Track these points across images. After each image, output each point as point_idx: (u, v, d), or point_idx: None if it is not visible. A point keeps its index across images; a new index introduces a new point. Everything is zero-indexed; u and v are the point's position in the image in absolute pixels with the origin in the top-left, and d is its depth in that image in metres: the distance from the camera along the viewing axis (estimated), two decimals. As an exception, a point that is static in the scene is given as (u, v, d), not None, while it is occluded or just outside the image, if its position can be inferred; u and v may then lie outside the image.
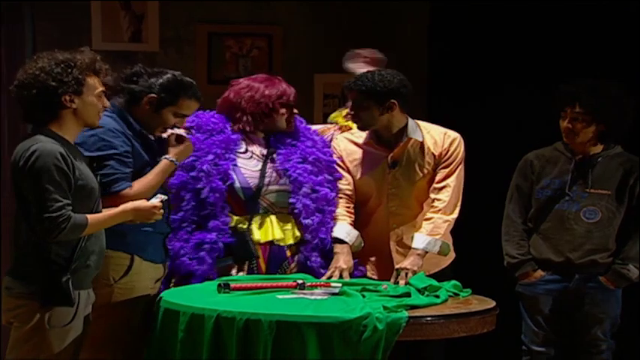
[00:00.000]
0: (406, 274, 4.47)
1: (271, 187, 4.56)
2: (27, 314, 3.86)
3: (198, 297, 3.99)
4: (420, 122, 4.78)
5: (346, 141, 4.83)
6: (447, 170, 4.72)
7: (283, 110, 4.62)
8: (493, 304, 4.09)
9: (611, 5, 5.97)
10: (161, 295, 4.06)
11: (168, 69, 4.42)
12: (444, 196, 4.69)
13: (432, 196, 4.72)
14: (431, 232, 4.64)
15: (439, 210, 4.68)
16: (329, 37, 6.67)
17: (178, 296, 4.01)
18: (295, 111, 4.68)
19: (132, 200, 4.05)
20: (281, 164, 4.58)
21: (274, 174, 4.58)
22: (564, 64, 5.80)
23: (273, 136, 4.64)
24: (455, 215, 4.69)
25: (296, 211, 4.55)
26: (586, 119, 4.85)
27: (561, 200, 4.92)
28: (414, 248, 4.61)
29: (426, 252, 4.60)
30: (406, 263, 4.55)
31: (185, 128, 4.45)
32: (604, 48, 6.00)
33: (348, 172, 4.77)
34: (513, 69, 6.19)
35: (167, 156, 4.30)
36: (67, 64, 3.88)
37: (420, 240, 4.62)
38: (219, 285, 4.08)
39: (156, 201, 4.05)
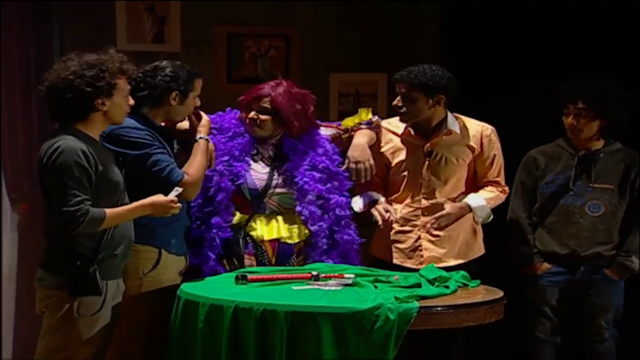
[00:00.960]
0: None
1: (277, 190, 4.54)
2: (57, 304, 3.90)
3: (216, 288, 3.99)
4: (457, 115, 4.79)
5: (383, 130, 4.83)
6: (494, 164, 4.80)
7: (248, 114, 4.56)
8: (501, 294, 4.08)
9: (616, 6, 5.96)
10: (181, 287, 4.06)
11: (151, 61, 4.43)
12: (502, 183, 4.81)
13: (483, 183, 4.80)
14: (488, 199, 4.74)
15: (501, 190, 4.80)
16: (344, 38, 6.67)
17: (198, 288, 4.01)
18: (258, 117, 4.53)
19: (194, 185, 4.16)
20: (289, 171, 4.55)
21: (280, 179, 4.55)
22: (571, 65, 5.78)
23: (287, 142, 4.60)
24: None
25: (302, 218, 4.53)
26: (589, 114, 4.84)
27: (566, 195, 4.91)
28: (466, 203, 4.70)
29: (471, 211, 4.69)
30: (451, 208, 4.66)
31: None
32: (609, 47, 5.99)
33: (380, 159, 4.77)
34: (521, 69, 6.19)
35: (201, 136, 4.36)
36: (100, 68, 3.92)
37: (475, 199, 4.72)
38: (237, 277, 4.08)
39: (173, 195, 4.06)
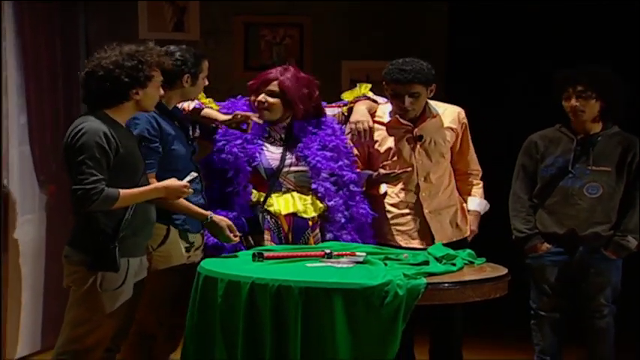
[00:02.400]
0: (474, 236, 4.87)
1: (291, 169, 4.54)
2: (82, 279, 3.93)
3: (234, 265, 4.00)
4: (431, 101, 4.78)
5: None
6: (466, 142, 4.84)
7: (254, 97, 4.56)
8: (505, 271, 4.07)
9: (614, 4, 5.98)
10: (201, 263, 4.07)
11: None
12: (475, 166, 4.90)
13: (460, 167, 4.88)
14: (481, 195, 4.88)
15: (479, 177, 4.91)
16: (355, 27, 6.67)
17: (217, 265, 4.01)
18: (266, 100, 4.51)
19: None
20: (301, 151, 4.56)
21: (293, 158, 4.56)
22: (571, 55, 5.78)
23: (297, 124, 4.60)
24: None
25: (319, 194, 4.54)
26: (589, 95, 4.81)
27: (565, 177, 4.89)
28: (473, 210, 4.87)
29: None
30: (475, 226, 4.86)
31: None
32: (604, 40, 6.01)
33: (363, 146, 4.76)
34: (519, 61, 6.24)
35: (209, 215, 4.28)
36: (139, 60, 3.94)
37: (476, 203, 4.87)
38: (254, 254, 4.08)
39: (187, 179, 4.09)
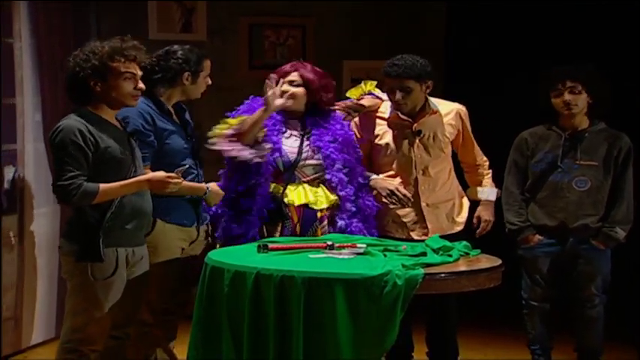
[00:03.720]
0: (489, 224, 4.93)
1: (307, 162, 4.58)
2: (73, 270, 3.94)
3: (240, 256, 4.02)
4: (432, 98, 4.81)
5: (372, 114, 4.83)
6: (468, 137, 4.89)
7: (284, 87, 4.57)
8: (499, 262, 4.08)
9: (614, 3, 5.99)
10: (208, 254, 4.09)
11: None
12: (482, 157, 4.96)
13: (468, 160, 4.95)
14: (491, 184, 4.94)
15: (486, 167, 4.95)
16: (356, 27, 6.69)
17: (223, 256, 4.04)
18: (288, 89, 4.56)
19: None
20: (314, 142, 4.60)
21: (309, 151, 4.60)
22: (569, 59, 5.81)
23: (309, 119, 4.64)
24: None
25: (333, 184, 4.58)
26: (580, 90, 4.83)
27: (554, 172, 4.92)
28: (488, 200, 4.93)
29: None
30: (488, 215, 4.91)
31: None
32: (604, 40, 6.02)
33: (367, 141, 4.81)
34: (519, 61, 6.26)
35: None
36: (92, 52, 3.90)
37: (487, 193, 4.93)
38: (259, 246, 4.11)
39: (175, 172, 4.03)
